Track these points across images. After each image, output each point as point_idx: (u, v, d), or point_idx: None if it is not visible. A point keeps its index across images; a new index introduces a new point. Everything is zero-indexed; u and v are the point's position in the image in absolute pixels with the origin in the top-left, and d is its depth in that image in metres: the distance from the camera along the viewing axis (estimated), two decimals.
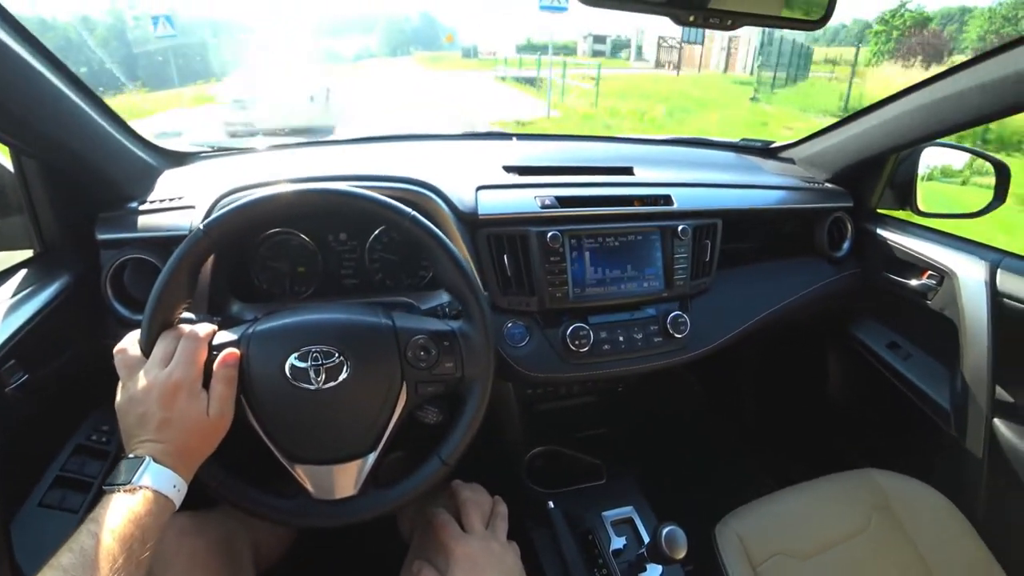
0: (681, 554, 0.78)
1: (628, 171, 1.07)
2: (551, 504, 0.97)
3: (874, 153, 1.15)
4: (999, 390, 1.03)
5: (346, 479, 0.64)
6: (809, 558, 0.91)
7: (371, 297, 0.88)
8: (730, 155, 1.31)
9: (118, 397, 0.59)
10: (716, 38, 24.03)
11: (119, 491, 0.51)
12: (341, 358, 0.62)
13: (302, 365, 0.61)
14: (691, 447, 1.48)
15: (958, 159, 1.28)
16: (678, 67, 25.91)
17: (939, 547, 0.94)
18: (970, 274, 1.05)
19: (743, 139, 1.40)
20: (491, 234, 0.88)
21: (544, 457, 1.11)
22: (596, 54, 38.79)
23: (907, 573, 0.92)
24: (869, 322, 1.25)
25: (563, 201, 0.91)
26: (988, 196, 1.17)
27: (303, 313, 0.66)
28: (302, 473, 0.63)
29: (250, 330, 0.64)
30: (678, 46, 28.77)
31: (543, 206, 0.90)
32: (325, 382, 0.61)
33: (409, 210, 0.66)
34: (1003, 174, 1.15)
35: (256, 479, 0.64)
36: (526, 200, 0.91)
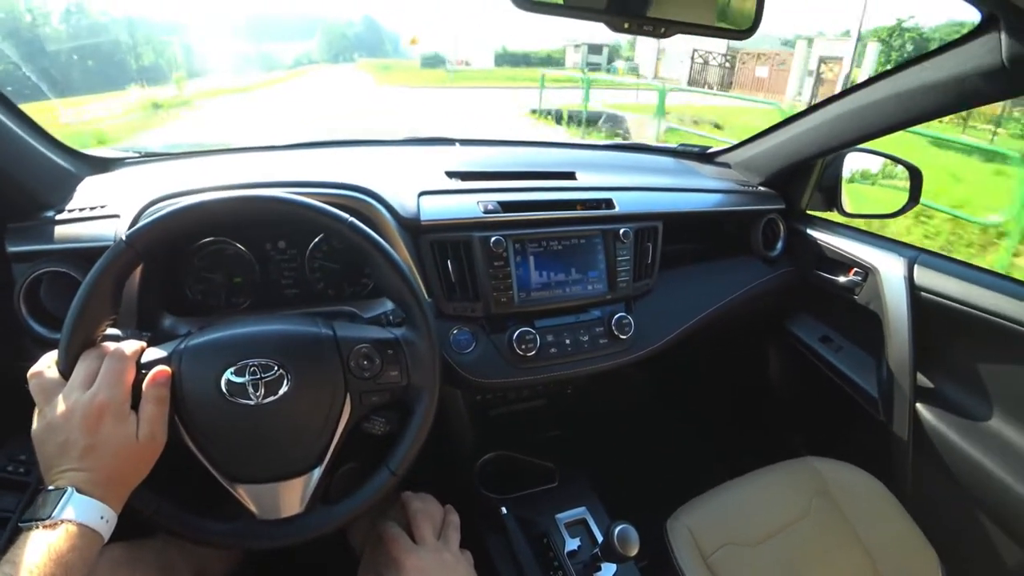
0: (633, 551, 0.79)
1: (570, 176, 1.09)
2: (504, 510, 0.96)
3: (803, 157, 1.22)
4: (920, 377, 1.11)
5: (291, 497, 0.62)
6: (756, 545, 0.94)
7: (313, 307, 0.86)
8: (669, 160, 1.35)
9: (34, 425, 0.54)
10: (796, 55, 20.01)
11: (38, 527, 0.47)
12: (280, 371, 0.59)
13: (239, 380, 0.58)
14: (642, 445, 1.51)
15: (877, 163, 1.37)
16: (715, 86, 21.03)
17: (873, 526, 0.99)
18: (890, 270, 1.13)
19: (681, 144, 1.45)
20: (434, 240, 0.87)
21: (496, 463, 1.10)
22: (591, 67, 32.29)
23: (846, 553, 0.96)
24: (803, 317, 1.32)
25: (506, 206, 0.92)
26: (904, 198, 1.25)
27: (239, 326, 0.63)
28: (244, 493, 0.60)
29: (182, 345, 0.60)
30: (724, 64, 24.06)
31: (486, 211, 0.90)
32: (264, 397, 0.58)
33: (346, 216, 0.65)
34: (916, 177, 1.24)
35: (195, 503, 0.61)
36: (469, 205, 0.91)
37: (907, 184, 1.24)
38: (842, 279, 1.19)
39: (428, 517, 0.81)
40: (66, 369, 0.56)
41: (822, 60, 17.64)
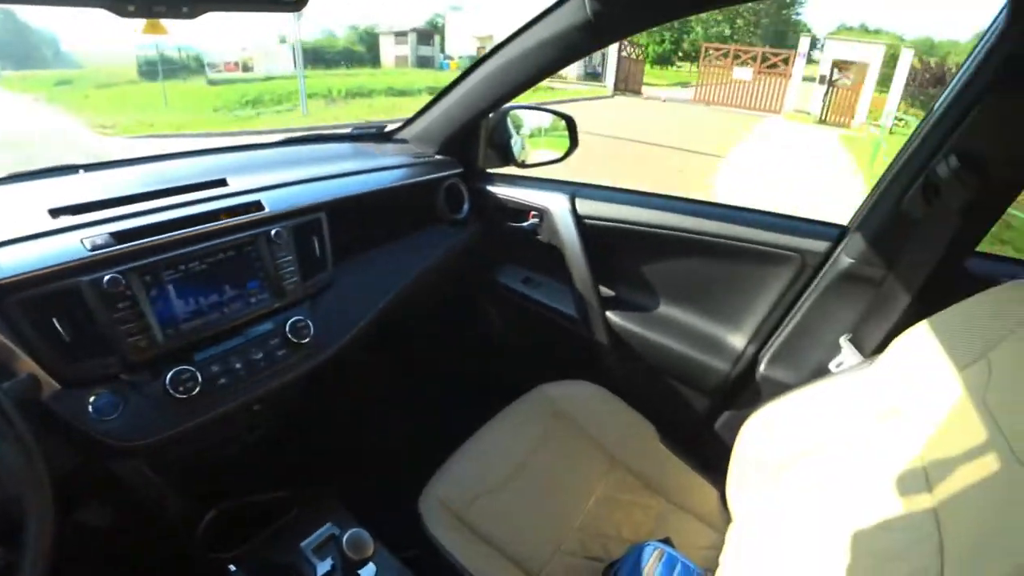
0: (368, 551, 0.77)
1: (221, 183, 0.97)
2: (232, 568, 0.86)
3: (465, 120, 1.29)
4: (603, 289, 1.28)
5: None
6: (507, 484, 0.99)
7: None
8: (345, 146, 1.32)
9: None
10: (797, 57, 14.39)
11: None
12: None
13: None
14: (382, 437, 1.50)
15: (547, 119, 1.52)
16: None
17: (602, 424, 1.12)
18: (558, 207, 1.27)
19: (357, 128, 1.43)
20: (27, 299, 0.70)
21: (221, 517, 0.98)
22: (422, 62, 24.57)
23: (588, 455, 1.07)
24: (507, 266, 1.43)
25: (121, 236, 0.77)
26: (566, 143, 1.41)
27: None
28: None
29: None
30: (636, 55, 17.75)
31: (93, 248, 0.74)
32: None
33: None
34: (571, 124, 1.41)
35: None
36: (70, 246, 0.74)
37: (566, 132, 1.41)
38: (525, 224, 1.31)
39: None
40: None
41: (837, 65, 13.41)
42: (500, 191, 1.34)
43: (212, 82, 17.15)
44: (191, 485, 0.97)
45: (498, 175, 1.41)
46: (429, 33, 27.05)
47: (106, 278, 0.73)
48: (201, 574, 0.85)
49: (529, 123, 1.55)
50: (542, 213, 1.30)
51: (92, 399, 0.73)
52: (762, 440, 0.90)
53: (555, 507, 0.99)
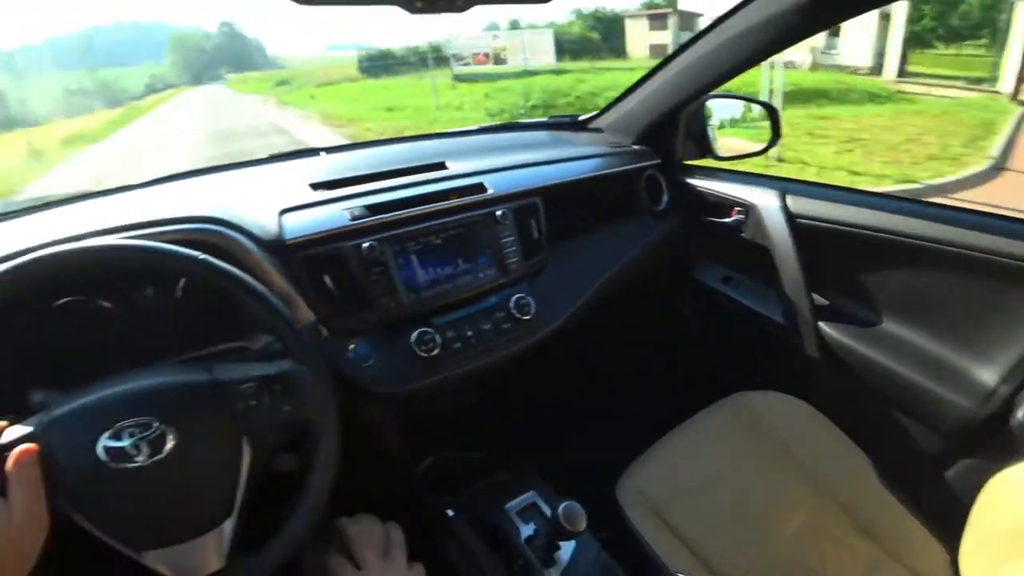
0: (582, 525, 0.77)
1: (441, 166, 1.06)
2: (450, 512, 0.92)
3: (664, 111, 1.25)
4: (816, 296, 1.17)
5: (207, 553, 0.56)
6: (705, 489, 0.95)
7: (198, 351, 0.79)
8: (541, 134, 1.35)
9: None
10: None
11: None
12: (161, 427, 0.54)
13: (118, 444, 0.52)
14: (577, 419, 1.51)
15: (739, 109, 1.43)
16: None
17: (805, 444, 1.03)
18: (767, 203, 1.18)
19: (552, 117, 1.46)
20: (305, 258, 0.82)
21: (436, 466, 1.07)
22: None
23: (788, 475, 0.99)
24: (704, 263, 1.36)
25: (374, 208, 0.87)
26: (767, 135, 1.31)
27: (106, 387, 0.58)
28: (154, 560, 0.54)
29: (45, 418, 0.54)
30: None
31: (353, 218, 0.86)
32: (151, 456, 0.53)
33: (198, 255, 0.60)
34: (774, 115, 1.31)
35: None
36: (335, 215, 0.86)
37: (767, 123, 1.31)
38: (728, 220, 1.24)
39: (368, 539, 0.76)
40: None
41: None
42: (700, 184, 1.28)
43: (458, 77, 14.77)
44: (411, 434, 1.05)
45: (696, 167, 1.35)
46: (695, 17, 20.00)
47: (365, 245, 0.83)
48: (417, 514, 0.92)
49: (719, 113, 1.47)
50: (748, 209, 1.21)
51: (352, 347, 0.83)
52: (1018, 505, 0.74)
53: (754, 524, 0.93)
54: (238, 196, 0.90)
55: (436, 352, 0.85)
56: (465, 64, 15.03)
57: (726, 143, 1.42)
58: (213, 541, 0.56)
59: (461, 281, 0.91)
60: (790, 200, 1.16)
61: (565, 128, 1.40)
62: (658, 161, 1.29)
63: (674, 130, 1.31)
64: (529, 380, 1.23)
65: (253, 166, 1.15)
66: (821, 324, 1.14)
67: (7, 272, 0.55)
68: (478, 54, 15.14)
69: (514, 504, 0.95)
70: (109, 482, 0.52)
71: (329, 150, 1.15)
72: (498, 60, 14.84)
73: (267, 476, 0.61)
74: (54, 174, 11.40)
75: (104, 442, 0.52)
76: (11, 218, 0.96)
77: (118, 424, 0.53)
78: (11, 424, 0.54)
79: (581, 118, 1.43)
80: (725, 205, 1.25)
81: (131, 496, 0.53)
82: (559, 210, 1.07)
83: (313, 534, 0.62)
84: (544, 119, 1.45)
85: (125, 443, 0.53)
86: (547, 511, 0.94)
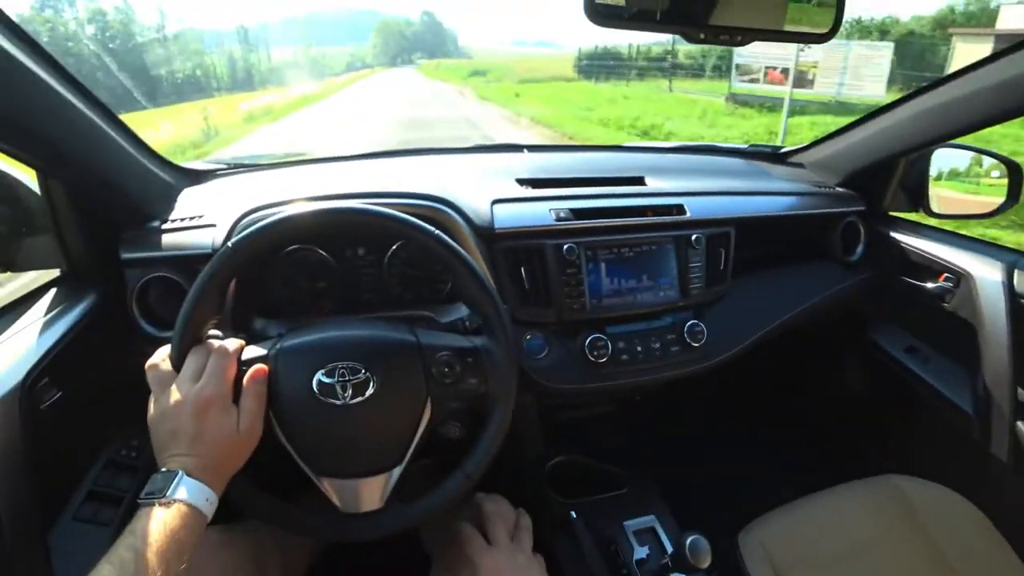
0: (706, 563, 0.78)
1: (640, 181, 1.08)
2: (573, 514, 0.96)
3: (884, 156, 1.16)
4: (1021, 392, 1.03)
5: (372, 493, 0.64)
6: (833, 565, 0.90)
7: (390, 311, 0.89)
8: (739, 161, 1.31)
9: (150, 411, 0.59)
10: None
11: (155, 504, 0.51)
12: (367, 374, 0.62)
13: (329, 381, 0.62)
14: (710, 454, 1.47)
15: (966, 160, 1.28)
16: None
17: (966, 555, 0.92)
18: (987, 276, 1.05)
19: (752, 145, 1.41)
20: (508, 248, 0.88)
21: (564, 467, 1.10)
22: None
23: None
24: (886, 325, 1.25)
25: (578, 213, 0.92)
26: (1000, 196, 1.17)
27: (329, 329, 0.67)
28: (329, 487, 0.64)
29: (278, 346, 0.64)
30: None
31: (558, 219, 0.91)
32: (352, 397, 0.62)
33: (433, 229, 0.67)
34: (1016, 174, 1.15)
35: (282, 493, 0.65)
36: (541, 213, 0.92)
37: (1004, 181, 1.16)
38: (930, 285, 1.12)
39: (502, 519, 0.82)
40: (178, 363, 0.61)
41: None
42: (905, 239, 1.17)
43: (736, 98, 11.45)
44: (549, 432, 1.12)
45: (903, 220, 1.23)
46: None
47: (566, 246, 0.88)
48: (542, 509, 0.96)
49: (939, 163, 1.32)
50: (959, 277, 1.09)
51: (527, 338, 0.89)
52: None
53: None
54: (454, 180, 0.98)
55: (604, 360, 0.88)
56: (751, 80, 10.86)
57: (939, 195, 1.28)
58: (379, 484, 0.64)
59: (641, 296, 0.93)
60: (1019, 277, 1.02)
61: (764, 158, 1.35)
62: (862, 208, 1.20)
63: (888, 177, 1.20)
64: (674, 403, 1.23)
65: (459, 153, 1.27)
66: (1020, 424, 1.00)
67: (295, 218, 0.64)
68: (774, 69, 10.53)
69: (632, 524, 0.97)
70: (314, 412, 0.61)
71: (531, 148, 1.22)
72: (801, 81, 10.11)
73: (433, 438, 0.68)
74: (259, 134, 13.10)
75: (319, 376, 0.61)
76: (252, 171, 1.16)
77: (333, 364, 0.62)
78: (247, 345, 0.65)
79: (783, 150, 1.37)
80: (931, 268, 1.14)
81: (328, 428, 0.62)
82: (749, 242, 1.04)
83: (461, 500, 0.68)
84: (743, 146, 1.41)
85: (335, 381, 0.61)
86: (664, 539, 0.96)
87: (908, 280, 1.16)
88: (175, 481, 0.53)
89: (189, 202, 0.97)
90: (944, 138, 1.08)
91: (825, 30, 0.71)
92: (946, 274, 1.11)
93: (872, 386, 1.32)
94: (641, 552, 0.93)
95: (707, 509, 1.03)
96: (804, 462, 1.10)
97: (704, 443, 1.49)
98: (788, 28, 0.67)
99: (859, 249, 1.19)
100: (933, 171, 1.28)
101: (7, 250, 0.81)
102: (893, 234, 1.19)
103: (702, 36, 0.61)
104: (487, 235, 0.89)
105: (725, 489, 1.12)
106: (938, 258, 1.12)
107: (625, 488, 1.05)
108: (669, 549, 0.93)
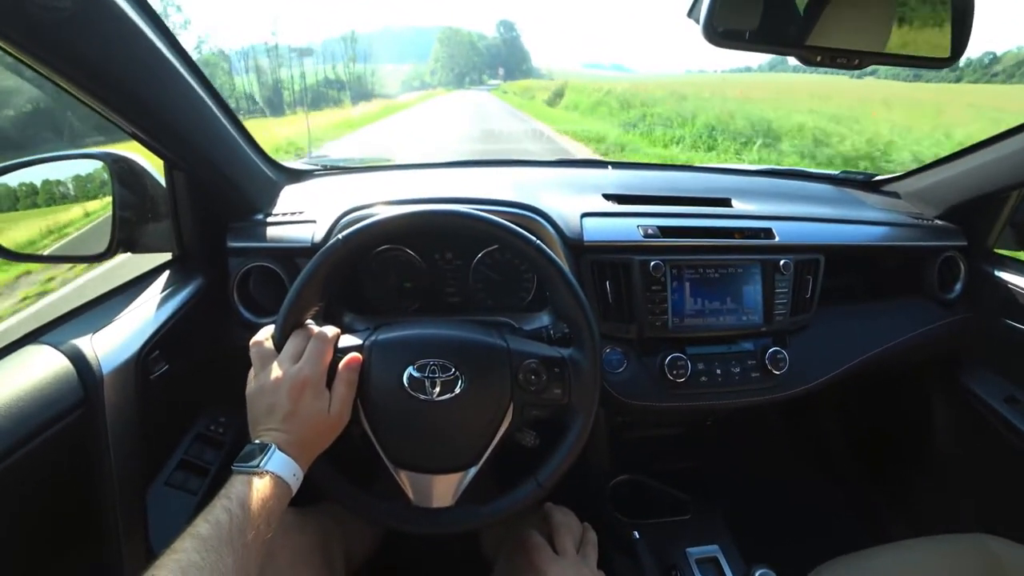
0: None
1: (726, 202, 1.06)
2: (636, 534, 0.95)
3: (994, 189, 1.09)
4: None
5: (445, 490, 0.66)
6: None
7: (473, 315, 0.91)
8: (829, 188, 1.27)
9: (250, 385, 0.63)
10: None
11: (248, 473, 0.54)
12: (457, 373, 0.64)
13: (419, 376, 0.64)
14: (778, 488, 1.40)
15: None
16: None
17: None
18: None
19: (843, 171, 1.35)
20: (594, 261, 0.89)
21: (628, 486, 1.09)
22: None
23: None
24: (983, 372, 1.16)
25: (665, 231, 0.92)
26: None
27: (424, 327, 0.69)
28: (405, 479, 0.65)
29: (373, 337, 0.67)
30: None
31: (646, 235, 0.90)
32: (440, 394, 0.63)
33: (534, 239, 0.68)
34: None
35: (359, 480, 0.67)
36: (629, 228, 0.92)
37: None
38: None
39: (569, 531, 0.82)
40: (280, 343, 0.64)
41: None
42: (1011, 279, 1.09)
43: None
44: (615, 450, 1.10)
45: (1011, 259, 1.15)
46: None
47: (652, 263, 0.87)
48: (606, 526, 0.95)
49: None
50: None
51: (607, 351, 0.89)
52: None
53: None
54: (543, 192, 1.00)
55: (683, 380, 0.87)
56: None
57: None
58: (454, 481, 0.65)
59: (724, 319, 0.91)
60: None
61: (855, 186, 1.30)
62: (963, 243, 1.13)
63: (996, 212, 1.13)
64: (744, 432, 1.19)
65: (544, 167, 1.28)
66: None
67: (406, 216, 0.66)
68: None
69: (696, 551, 0.95)
70: (401, 405, 0.63)
71: (615, 165, 1.23)
72: None
73: (508, 444, 0.68)
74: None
75: (410, 371, 0.63)
76: (346, 173, 1.21)
77: (425, 360, 0.64)
78: (342, 334, 0.67)
79: (876, 178, 1.31)
80: None
81: (412, 422, 0.64)
82: (837, 272, 1.01)
83: (531, 507, 0.67)
84: (833, 172, 1.35)
85: (425, 377, 0.63)
86: (727, 570, 0.92)
87: (1012, 324, 1.08)
88: (268, 453, 0.56)
89: (290, 199, 1.03)
90: None
91: (944, 56, 0.68)
92: None
93: (963, 435, 1.22)
94: None
95: (773, 545, 0.99)
96: (881, 509, 1.03)
97: (772, 476, 1.43)
98: (907, 52, 0.65)
99: (958, 287, 1.12)
100: None
101: (131, 233, 0.89)
102: (998, 273, 1.11)
103: (818, 59, 0.60)
104: (576, 247, 0.89)
105: (794, 527, 1.07)
106: None
107: (689, 514, 1.03)
108: None
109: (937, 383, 1.24)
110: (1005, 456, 1.08)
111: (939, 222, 1.16)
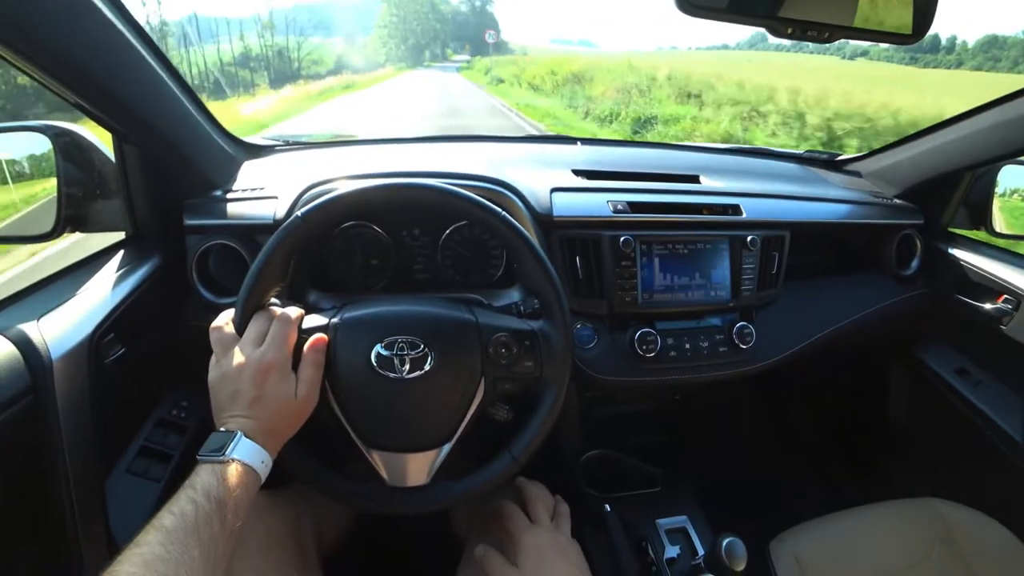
0: (741, 566, 0.77)
1: (695, 179, 1.07)
2: (607, 507, 0.96)
3: (949, 169, 1.12)
4: None
5: (419, 468, 0.65)
6: None
7: (442, 292, 0.89)
8: (794, 166, 1.29)
9: (211, 372, 0.61)
10: None
11: (213, 462, 0.53)
12: (426, 349, 0.63)
13: (387, 354, 0.62)
14: (744, 460, 1.45)
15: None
16: None
17: None
18: None
19: (808, 151, 1.38)
20: (564, 236, 0.89)
21: (599, 461, 1.10)
22: None
23: None
24: (937, 345, 1.21)
25: (635, 206, 0.92)
26: None
27: (390, 304, 0.68)
28: (378, 459, 0.64)
29: (338, 317, 0.65)
30: None
31: (616, 211, 0.90)
32: (409, 372, 0.62)
33: (501, 211, 0.67)
34: None
35: (331, 462, 0.66)
36: (599, 204, 0.91)
37: None
38: (988, 306, 1.09)
39: (543, 502, 0.83)
40: (241, 326, 0.62)
41: None
42: (963, 257, 1.14)
43: None
44: (585, 426, 1.12)
45: (963, 237, 1.20)
46: None
47: (622, 238, 0.87)
48: (578, 500, 0.96)
49: (1007, 181, 1.27)
50: (1019, 299, 1.05)
51: (577, 327, 0.89)
52: None
53: None
54: (512, 167, 0.99)
55: (652, 354, 0.88)
56: None
57: (1004, 214, 1.24)
58: (428, 460, 0.65)
59: (693, 294, 0.92)
60: None
61: (819, 165, 1.32)
62: (920, 221, 1.17)
63: (951, 192, 1.17)
64: (712, 407, 1.22)
65: (513, 142, 1.27)
66: None
67: (365, 191, 0.65)
68: None
69: (665, 522, 0.97)
70: (370, 384, 0.62)
71: (585, 141, 1.22)
72: None
73: (481, 419, 0.68)
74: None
75: (378, 349, 0.62)
76: (309, 148, 1.17)
77: (392, 337, 0.63)
78: (307, 314, 0.65)
79: (839, 158, 1.33)
80: (989, 288, 1.10)
81: (382, 401, 0.63)
82: (801, 249, 1.03)
83: (505, 482, 0.68)
84: (798, 151, 1.37)
85: (393, 355, 0.62)
86: (696, 540, 0.95)
87: (964, 299, 1.13)
88: (234, 441, 0.54)
89: (250, 174, 0.99)
90: (1014, 154, 1.04)
91: (909, 32, 0.69)
92: (1005, 295, 1.07)
93: (917, 405, 1.28)
94: (672, 551, 0.93)
95: (740, 514, 1.02)
96: (841, 477, 1.08)
97: (739, 449, 1.47)
98: (873, 27, 0.65)
99: (914, 263, 1.16)
100: (1000, 188, 1.24)
101: (79, 211, 0.84)
102: (951, 250, 1.16)
103: (789, 31, 0.60)
104: (545, 222, 0.89)
105: (758, 496, 1.11)
106: (998, 278, 1.08)
107: (659, 487, 1.05)
108: (700, 550, 0.93)
109: (894, 356, 1.29)
110: (954, 425, 1.14)
111: (898, 201, 1.20)
